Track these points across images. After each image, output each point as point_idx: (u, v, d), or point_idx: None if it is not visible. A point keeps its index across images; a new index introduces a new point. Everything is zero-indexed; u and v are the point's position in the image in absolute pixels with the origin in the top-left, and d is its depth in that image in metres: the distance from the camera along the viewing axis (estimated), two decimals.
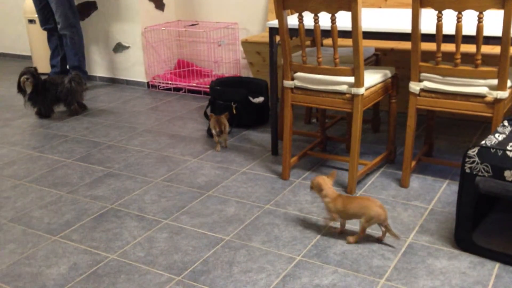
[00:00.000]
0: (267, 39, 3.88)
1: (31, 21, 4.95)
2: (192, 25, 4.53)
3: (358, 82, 2.42)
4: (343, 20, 2.58)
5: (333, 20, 2.35)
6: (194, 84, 4.39)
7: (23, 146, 3.35)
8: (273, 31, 2.81)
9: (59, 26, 4.37)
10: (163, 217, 2.41)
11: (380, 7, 3.68)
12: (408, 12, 2.95)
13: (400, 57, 3.44)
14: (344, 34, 2.51)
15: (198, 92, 4.37)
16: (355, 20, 2.30)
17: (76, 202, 2.58)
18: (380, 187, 2.61)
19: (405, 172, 2.58)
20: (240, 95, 3.45)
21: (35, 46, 5.10)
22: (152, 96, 4.38)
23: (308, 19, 2.62)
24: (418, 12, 2.27)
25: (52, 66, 4.71)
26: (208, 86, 4.22)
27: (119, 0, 4.48)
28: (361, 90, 2.44)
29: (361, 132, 2.54)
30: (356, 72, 2.40)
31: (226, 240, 2.21)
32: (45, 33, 4.63)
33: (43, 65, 5.03)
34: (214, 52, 4.51)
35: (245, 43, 4.02)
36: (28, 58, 5.46)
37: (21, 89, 3.78)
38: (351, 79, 2.46)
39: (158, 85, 4.55)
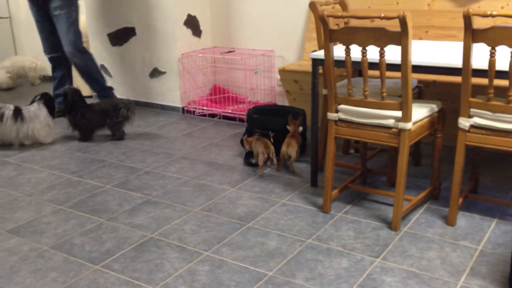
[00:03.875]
0: (304, 68, 3.87)
1: None
2: (229, 52, 4.55)
3: (406, 117, 2.37)
4: (390, 53, 2.55)
5: (381, 54, 2.32)
6: (230, 111, 4.39)
7: (62, 170, 3.38)
8: (316, 62, 2.79)
9: (68, 56, 4.23)
10: (203, 249, 2.38)
11: (421, 38, 3.64)
12: (450, 45, 2.90)
13: (443, 89, 3.38)
14: (390, 67, 2.47)
15: (233, 118, 4.36)
16: (405, 54, 2.27)
17: (116, 230, 2.57)
18: (425, 224, 2.54)
19: (452, 210, 2.50)
20: (278, 124, 3.42)
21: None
22: (187, 122, 4.39)
23: (354, 51, 2.60)
24: (470, 47, 2.23)
25: (57, 96, 4.40)
26: (243, 113, 4.21)
27: (157, 27, 4.55)
28: (409, 125, 2.39)
29: (407, 168, 2.48)
30: (404, 107, 2.36)
31: (269, 275, 2.16)
32: None
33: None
34: (250, 79, 4.52)
35: (282, 72, 4.01)
36: None
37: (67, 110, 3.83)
38: (398, 113, 2.41)
39: (193, 111, 4.57)
